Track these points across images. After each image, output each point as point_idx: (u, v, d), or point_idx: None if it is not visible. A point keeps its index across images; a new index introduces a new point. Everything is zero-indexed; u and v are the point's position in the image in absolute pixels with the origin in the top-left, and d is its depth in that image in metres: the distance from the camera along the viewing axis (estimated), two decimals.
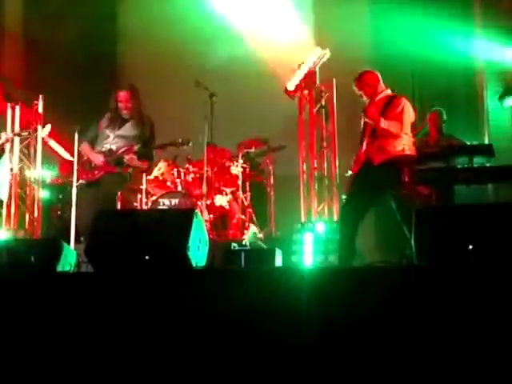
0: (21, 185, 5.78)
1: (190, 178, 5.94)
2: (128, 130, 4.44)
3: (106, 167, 4.37)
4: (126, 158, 4.34)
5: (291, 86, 5.14)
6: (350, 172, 4.23)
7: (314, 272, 2.90)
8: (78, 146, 4.59)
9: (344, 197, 4.32)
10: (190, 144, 4.67)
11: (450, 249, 2.71)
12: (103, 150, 4.40)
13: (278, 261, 3.51)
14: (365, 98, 4.13)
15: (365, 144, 4.02)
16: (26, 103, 5.82)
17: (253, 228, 5.72)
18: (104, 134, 4.44)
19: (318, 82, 5.23)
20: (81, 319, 2.56)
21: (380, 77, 4.19)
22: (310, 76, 5.12)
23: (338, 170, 5.14)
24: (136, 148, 4.41)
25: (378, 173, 3.92)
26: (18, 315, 2.54)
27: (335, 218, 4.94)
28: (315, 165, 5.16)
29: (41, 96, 5.84)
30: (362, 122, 4.15)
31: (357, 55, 6.16)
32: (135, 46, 7.25)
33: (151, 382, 2.45)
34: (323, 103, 5.22)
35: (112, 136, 4.41)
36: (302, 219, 5.04)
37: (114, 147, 4.40)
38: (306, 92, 5.24)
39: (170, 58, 6.92)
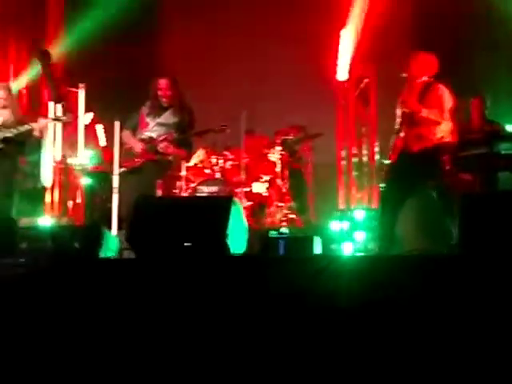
0: (64, 172, 5.94)
1: (228, 165, 5.98)
2: (168, 117, 4.45)
3: (146, 155, 4.39)
4: (160, 146, 4.36)
5: (343, 74, 5.05)
6: (387, 161, 4.16)
7: (354, 260, 2.88)
8: (120, 133, 4.63)
9: (382, 185, 4.26)
10: (228, 131, 4.64)
11: (495, 236, 2.64)
12: (143, 137, 4.42)
13: (318, 248, 3.50)
14: (408, 77, 3.97)
15: (403, 132, 3.94)
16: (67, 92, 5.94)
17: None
18: (145, 122, 4.47)
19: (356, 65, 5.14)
20: (123, 305, 2.61)
21: (435, 60, 4.03)
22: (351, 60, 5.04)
23: (377, 157, 5.07)
24: (175, 136, 4.43)
25: (417, 161, 3.84)
26: (62, 300, 2.62)
27: (375, 205, 4.88)
28: (354, 151, 5.10)
29: (83, 84, 5.97)
30: (400, 111, 4.06)
31: (398, 38, 6.03)
32: (175, 32, 7.28)
33: (191, 365, 2.49)
34: (363, 88, 5.13)
35: (152, 124, 4.43)
36: (341, 206, 5.00)
37: (153, 135, 4.42)
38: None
39: (211, 45, 6.93)
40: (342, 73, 5.03)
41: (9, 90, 4.22)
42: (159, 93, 4.46)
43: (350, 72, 5.13)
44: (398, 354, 2.31)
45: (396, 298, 2.40)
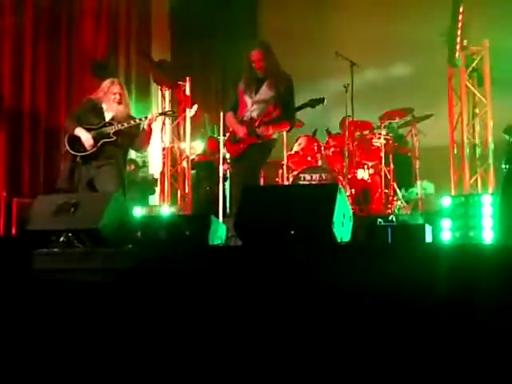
0: (172, 162, 6.17)
1: (330, 152, 5.88)
2: (264, 92, 4.17)
3: (249, 139, 4.15)
4: (259, 130, 4.11)
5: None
6: (509, 137, 3.82)
7: (474, 249, 2.68)
8: (223, 119, 4.57)
9: (504, 166, 3.91)
10: (325, 103, 4.22)
11: None
12: (245, 118, 4.20)
13: (428, 237, 3.31)
14: None
15: None
16: (172, 86, 6.17)
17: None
18: (244, 101, 4.24)
19: (468, 42, 4.79)
20: (230, 290, 2.64)
21: None
22: (461, 37, 4.69)
23: (492, 138, 4.70)
24: (274, 114, 4.15)
25: None
26: (173, 287, 2.70)
27: (490, 190, 4.54)
28: (467, 133, 4.77)
29: (188, 78, 6.16)
30: None
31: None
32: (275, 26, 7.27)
33: (294, 354, 2.47)
34: (475, 66, 4.77)
35: (250, 102, 4.20)
36: (452, 192, 4.71)
37: (254, 114, 4.17)
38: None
39: (311, 26, 6.84)
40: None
41: (123, 86, 4.44)
42: (253, 65, 4.18)
43: (461, 48, 4.78)
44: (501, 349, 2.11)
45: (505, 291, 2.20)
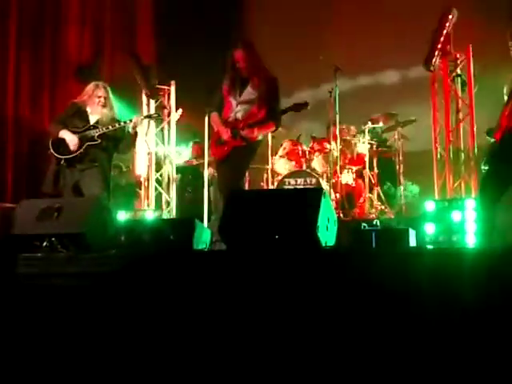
0: (156, 167, 6.15)
1: (314, 156, 5.90)
2: (249, 93, 4.07)
3: (234, 142, 4.07)
4: (243, 133, 4.02)
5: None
6: (491, 139, 3.85)
7: (455, 253, 2.71)
8: (208, 120, 4.38)
9: (484, 168, 3.95)
10: (309, 107, 4.15)
11: None
12: (230, 120, 4.11)
13: (412, 241, 3.34)
14: None
15: (510, 107, 3.62)
16: (149, 93, 6.12)
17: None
18: (229, 102, 4.14)
19: (451, 47, 4.86)
20: (214, 295, 2.64)
21: None
22: (444, 42, 4.75)
23: (476, 143, 4.76)
24: (258, 115, 4.06)
25: None
26: (157, 292, 2.69)
27: (473, 194, 4.60)
28: (451, 138, 4.82)
29: (173, 82, 6.15)
30: (507, 87, 3.74)
31: (495, 16, 5.63)
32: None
33: (289, 359, 2.47)
34: (458, 71, 4.84)
35: (235, 103, 4.10)
36: (436, 196, 4.76)
37: (239, 115, 4.08)
38: (438, 60, 4.89)
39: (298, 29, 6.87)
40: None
41: (108, 90, 4.42)
42: (237, 65, 4.07)
43: (444, 53, 4.84)
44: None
45: (492, 294, 2.22)
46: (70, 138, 4.20)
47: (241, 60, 4.03)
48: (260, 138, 4.18)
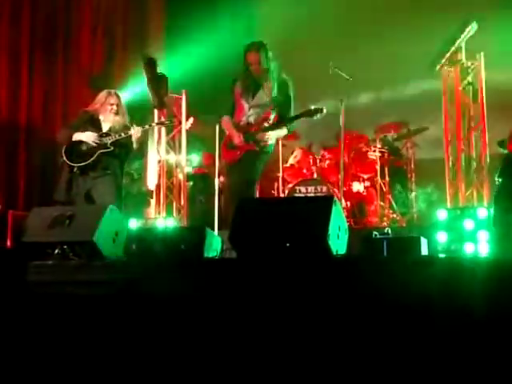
0: (168, 175, 6.17)
1: (325, 164, 5.90)
2: (261, 97, 4.00)
3: (246, 146, 3.98)
4: (257, 137, 3.95)
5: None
6: (504, 151, 3.83)
7: (468, 262, 2.68)
8: (219, 125, 4.35)
9: (497, 179, 3.93)
10: (324, 112, 3.92)
11: None
12: (242, 123, 4.04)
13: (424, 250, 3.31)
14: None
15: None
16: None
17: None
18: (241, 105, 4.07)
19: (463, 56, 4.82)
20: (225, 303, 2.64)
21: None
22: (455, 51, 4.73)
23: (488, 152, 4.72)
24: (271, 118, 4.00)
25: None
26: (169, 299, 2.69)
27: (485, 203, 4.56)
28: (462, 146, 4.79)
29: (184, 91, 6.17)
30: None
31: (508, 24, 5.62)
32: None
33: (298, 366, 2.45)
34: (470, 80, 4.81)
35: (247, 107, 4.04)
36: (448, 205, 4.72)
37: (251, 119, 4.02)
38: (450, 69, 4.86)
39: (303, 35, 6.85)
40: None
41: (120, 97, 4.44)
42: (250, 68, 3.99)
43: (456, 61, 4.82)
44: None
45: (501, 304, 2.19)
46: (87, 135, 4.22)
47: (254, 62, 3.95)
48: (272, 142, 4.09)
